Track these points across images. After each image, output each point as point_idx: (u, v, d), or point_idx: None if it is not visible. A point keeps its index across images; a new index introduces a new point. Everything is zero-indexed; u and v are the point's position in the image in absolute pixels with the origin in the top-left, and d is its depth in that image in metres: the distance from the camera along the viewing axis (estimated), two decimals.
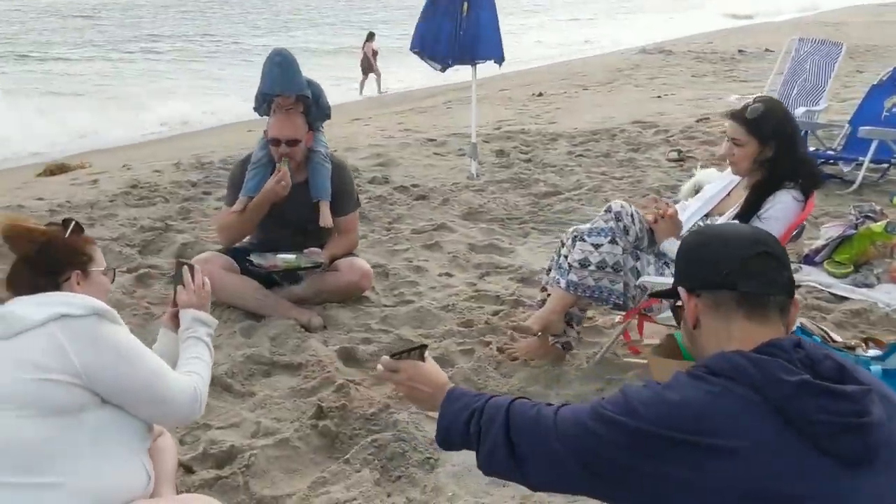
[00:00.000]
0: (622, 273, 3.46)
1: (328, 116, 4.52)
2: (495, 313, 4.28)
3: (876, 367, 2.83)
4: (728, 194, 3.60)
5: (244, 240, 4.49)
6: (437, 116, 12.45)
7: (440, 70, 7.29)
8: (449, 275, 4.90)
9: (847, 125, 6.86)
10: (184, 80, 20.11)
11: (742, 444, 1.42)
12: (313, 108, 4.37)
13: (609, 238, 3.46)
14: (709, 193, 3.69)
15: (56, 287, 2.30)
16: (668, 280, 3.43)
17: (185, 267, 2.70)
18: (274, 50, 4.36)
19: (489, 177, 7.23)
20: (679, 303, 1.74)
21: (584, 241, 3.50)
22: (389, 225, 5.89)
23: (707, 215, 3.59)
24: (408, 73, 18.68)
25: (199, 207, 6.53)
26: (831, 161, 6.74)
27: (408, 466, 2.98)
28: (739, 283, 1.57)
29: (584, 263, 3.47)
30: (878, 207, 4.93)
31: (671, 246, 3.53)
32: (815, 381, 1.44)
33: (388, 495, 2.85)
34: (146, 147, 12.11)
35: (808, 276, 4.61)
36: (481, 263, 5.05)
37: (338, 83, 17.83)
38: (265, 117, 4.37)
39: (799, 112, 6.92)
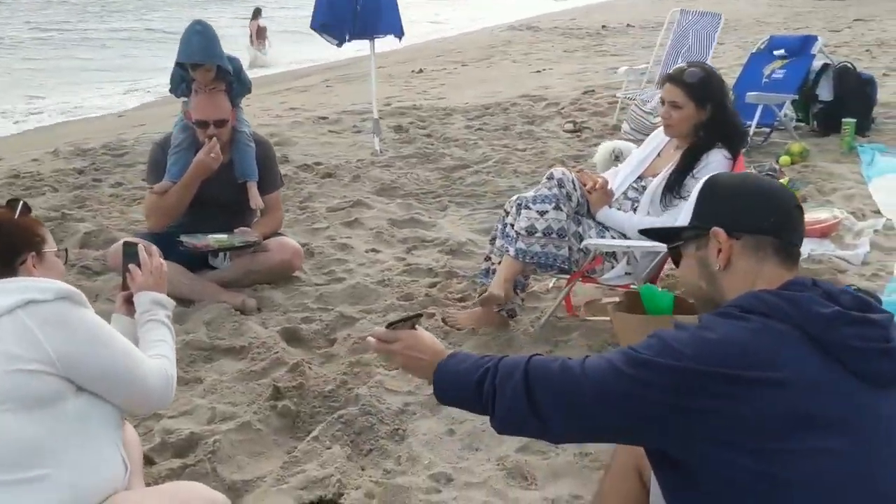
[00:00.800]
0: (566, 238, 3.54)
1: (249, 91, 4.41)
2: (432, 285, 4.30)
3: None
4: (658, 155, 3.74)
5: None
6: (319, 95, 12.26)
7: (337, 45, 7.17)
8: (376, 251, 4.87)
9: (731, 92, 7.21)
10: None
11: (788, 374, 1.50)
12: (235, 83, 4.24)
13: (553, 205, 3.53)
14: (638, 157, 3.82)
15: (13, 272, 2.15)
16: (610, 242, 3.55)
17: (138, 247, 2.57)
18: (193, 20, 4.22)
19: (394, 152, 7.20)
20: (679, 244, 1.82)
21: (529, 208, 3.56)
22: (302, 204, 5.78)
23: (640, 177, 3.72)
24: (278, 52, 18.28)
25: (93, 195, 6.20)
26: None
27: (377, 439, 2.97)
28: (782, 231, 1.66)
29: (530, 231, 3.53)
30: (776, 166, 5.22)
31: (606, 215, 3.64)
32: (847, 311, 1.53)
33: (363, 469, 2.83)
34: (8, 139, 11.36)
35: None
36: (407, 238, 5.04)
37: None
38: (165, 98, 4.21)
39: None
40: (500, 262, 3.74)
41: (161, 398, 2.26)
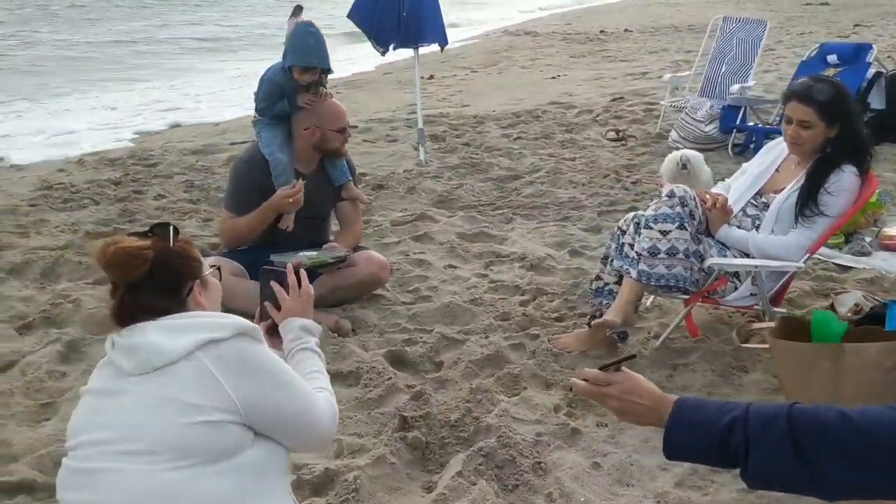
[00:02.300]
0: (690, 259, 3.41)
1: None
2: (523, 304, 4.16)
3: None
4: (777, 170, 3.62)
5: None
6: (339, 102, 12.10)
7: (381, 53, 7.04)
8: (453, 266, 4.72)
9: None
10: None
11: None
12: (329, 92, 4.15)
13: (677, 224, 3.40)
14: (753, 172, 3.69)
15: (182, 305, 1.96)
16: (736, 262, 3.42)
17: (286, 270, 2.38)
18: (303, 22, 4.21)
19: (439, 163, 7.06)
20: None
21: (650, 228, 3.43)
22: (362, 216, 5.61)
23: (759, 193, 3.60)
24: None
25: (140, 208, 6.02)
26: (771, 134, 7.00)
27: (521, 473, 2.82)
28: None
29: (653, 252, 3.40)
30: None
31: (727, 233, 3.52)
32: None
33: None
34: None
35: None
36: (482, 253, 4.90)
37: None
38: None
39: (733, 89, 7.16)
40: (616, 283, 3.60)
41: (330, 435, 2.09)
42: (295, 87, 4.01)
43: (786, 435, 1.60)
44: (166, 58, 19.62)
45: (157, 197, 6.34)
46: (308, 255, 3.89)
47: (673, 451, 1.74)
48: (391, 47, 6.91)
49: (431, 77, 13.97)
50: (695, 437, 1.70)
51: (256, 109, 4.13)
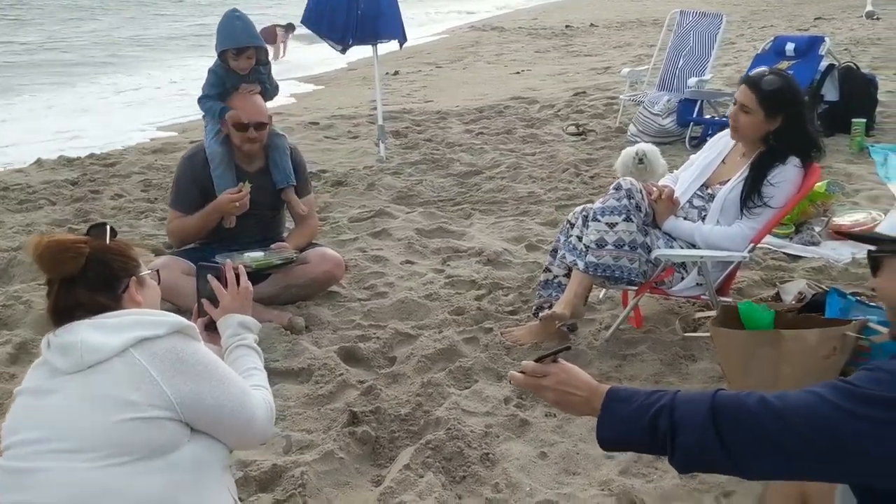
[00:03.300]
0: (637, 250, 3.46)
1: (278, 92, 4.34)
2: (479, 298, 4.18)
3: None
4: (723, 162, 3.68)
5: None
6: (300, 99, 12.06)
7: (341, 51, 7.03)
8: (411, 262, 4.74)
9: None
10: None
11: None
12: (268, 86, 4.15)
13: (623, 216, 3.44)
14: (700, 164, 3.75)
15: (118, 302, 1.96)
16: (682, 252, 3.47)
17: (224, 267, 2.38)
18: (229, 9, 4.16)
19: (400, 159, 7.06)
20: (884, 254, 1.74)
21: (597, 220, 3.47)
22: (320, 214, 5.60)
23: (705, 185, 3.65)
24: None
25: (95, 208, 5.97)
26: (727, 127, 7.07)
27: (469, 465, 2.85)
28: None
29: (600, 244, 3.44)
30: None
31: (673, 225, 3.57)
32: None
33: (460, 497, 2.72)
34: None
35: None
36: (440, 248, 4.91)
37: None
38: None
39: (690, 83, 7.22)
40: (564, 275, 3.64)
41: (266, 432, 2.10)
42: (234, 77, 4.02)
43: (709, 421, 1.63)
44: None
45: (114, 196, 6.29)
46: (253, 257, 3.86)
47: (605, 440, 1.76)
48: (349, 45, 6.89)
49: (396, 73, 13.96)
50: (625, 426, 1.72)
51: (197, 100, 4.14)
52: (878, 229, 1.81)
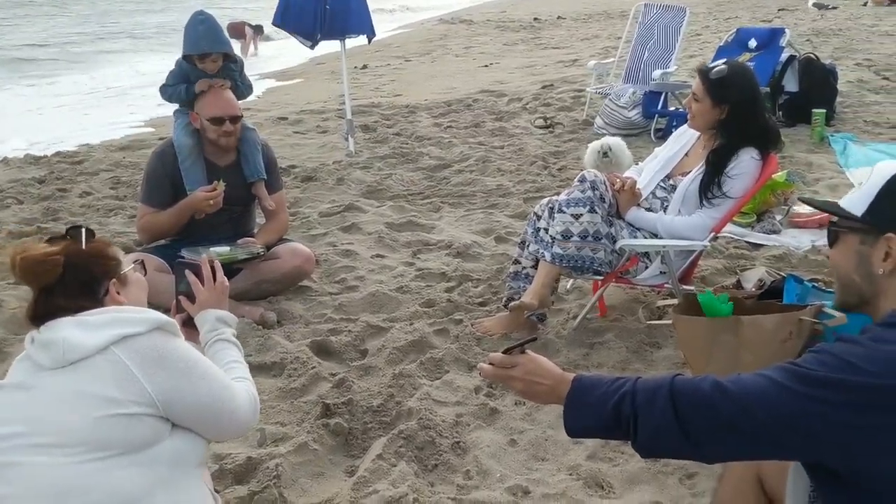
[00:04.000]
0: (602, 241, 3.54)
1: (251, 91, 4.34)
2: (449, 290, 4.25)
3: None
4: (686, 154, 3.76)
5: None
6: (267, 94, 12.03)
7: (310, 47, 7.04)
8: (381, 256, 4.79)
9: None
10: None
11: None
12: (239, 83, 4.16)
13: (588, 208, 3.52)
14: (664, 156, 3.83)
15: (99, 304, 1.98)
16: (645, 242, 3.56)
17: (201, 263, 2.42)
18: (195, 12, 4.15)
19: (369, 153, 7.10)
20: (840, 229, 1.79)
21: (563, 212, 3.54)
22: (290, 209, 5.62)
23: (668, 176, 3.74)
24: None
25: (64, 206, 5.94)
26: None
27: (441, 453, 2.91)
28: None
29: (566, 235, 3.52)
30: None
31: (635, 216, 3.65)
32: None
33: (432, 485, 2.78)
34: None
35: None
36: (409, 242, 4.97)
37: None
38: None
39: (655, 75, 7.33)
40: (532, 266, 3.71)
41: (250, 423, 2.13)
42: (199, 74, 4.04)
43: (668, 405, 1.70)
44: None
45: (82, 194, 6.26)
46: (219, 252, 3.88)
47: (571, 428, 1.82)
48: (317, 40, 6.91)
49: (365, 67, 13.96)
50: (590, 414, 1.78)
51: (159, 89, 4.15)
52: (841, 203, 1.86)
